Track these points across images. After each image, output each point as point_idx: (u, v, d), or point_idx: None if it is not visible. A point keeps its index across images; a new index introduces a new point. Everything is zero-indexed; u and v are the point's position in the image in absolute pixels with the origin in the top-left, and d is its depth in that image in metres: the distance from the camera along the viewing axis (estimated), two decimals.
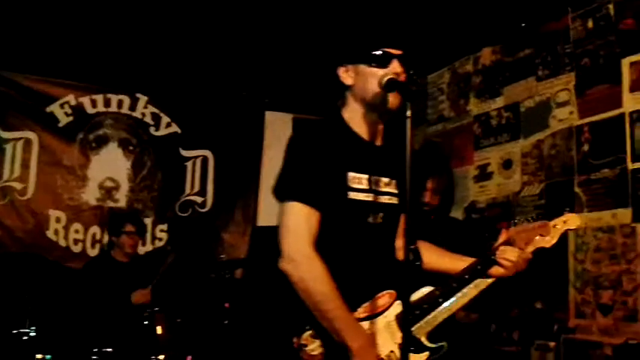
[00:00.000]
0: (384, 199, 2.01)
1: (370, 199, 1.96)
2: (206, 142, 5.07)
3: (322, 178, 1.90)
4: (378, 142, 2.06)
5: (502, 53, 4.29)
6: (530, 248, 2.09)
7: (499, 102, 4.28)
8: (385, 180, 2.03)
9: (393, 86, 1.89)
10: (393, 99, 1.92)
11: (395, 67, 1.95)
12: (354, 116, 2.02)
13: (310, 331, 1.86)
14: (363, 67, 1.98)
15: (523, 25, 4.08)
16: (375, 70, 1.95)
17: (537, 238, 2.10)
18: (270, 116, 5.20)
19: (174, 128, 5.04)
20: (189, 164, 5.02)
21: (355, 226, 1.94)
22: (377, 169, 2.01)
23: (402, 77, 1.95)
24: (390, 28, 2.02)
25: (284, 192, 1.92)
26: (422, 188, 3.49)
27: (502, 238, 2.11)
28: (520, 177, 4.04)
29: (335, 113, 2.05)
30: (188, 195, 4.99)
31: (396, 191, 2.04)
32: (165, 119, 5.02)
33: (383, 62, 1.95)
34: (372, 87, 1.95)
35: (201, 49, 4.53)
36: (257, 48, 4.53)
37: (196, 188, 5.02)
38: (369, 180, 1.98)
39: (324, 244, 1.90)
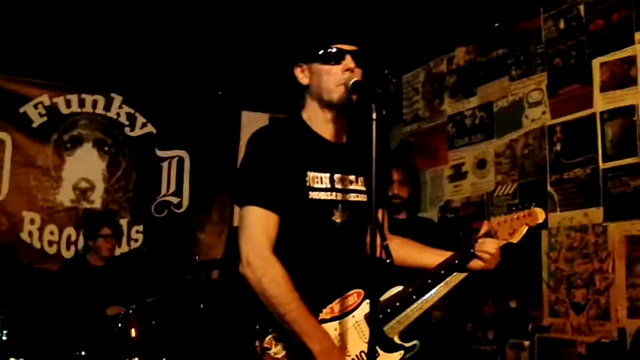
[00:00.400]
0: (351, 196, 1.99)
1: (333, 197, 1.95)
2: (182, 143, 5.02)
3: (279, 180, 1.89)
4: (341, 140, 2.05)
5: (476, 53, 4.30)
6: (517, 237, 2.04)
7: (473, 102, 4.29)
8: (351, 177, 2.01)
9: (358, 88, 1.89)
10: (342, 93, 1.93)
11: (347, 63, 1.93)
12: (313, 115, 2.02)
13: (273, 334, 1.85)
14: (317, 66, 1.97)
15: (496, 25, 4.09)
16: (328, 67, 1.95)
17: (524, 226, 2.04)
18: (246, 116, 5.16)
19: (150, 128, 4.98)
20: (164, 165, 4.96)
21: (319, 225, 1.92)
22: (341, 167, 2.00)
23: (357, 74, 1.94)
24: (342, 25, 2.01)
25: (240, 196, 1.91)
26: (389, 181, 3.44)
27: (483, 230, 2.09)
28: (494, 176, 4.05)
29: (295, 113, 2.04)
30: (164, 196, 4.93)
31: (363, 188, 2.02)
32: (140, 119, 4.96)
33: (335, 59, 1.94)
34: (327, 85, 1.95)
35: (176, 48, 4.51)
36: (233, 47, 4.51)
37: (172, 189, 4.96)
38: (331, 178, 1.97)
39: (288, 246, 1.89)
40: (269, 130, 1.99)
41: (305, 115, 2.03)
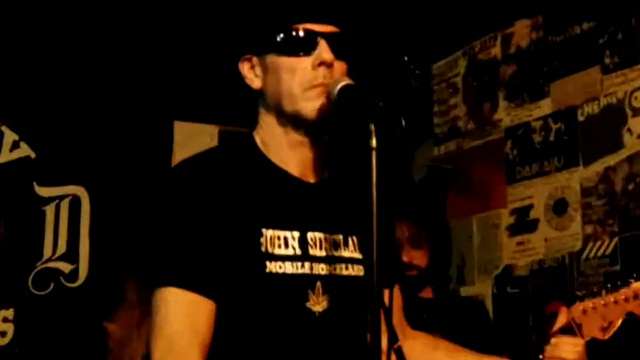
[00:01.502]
0: (337, 268, 2.03)
1: (307, 271, 1.98)
2: (77, 173, 4.91)
3: (213, 245, 1.91)
4: (318, 176, 2.08)
5: (547, 29, 4.33)
6: (611, 332, 2.12)
7: (544, 107, 4.32)
8: (337, 237, 2.05)
9: (349, 97, 1.88)
10: (317, 103, 1.97)
11: (321, 52, 1.97)
12: (270, 137, 2.06)
13: None
14: (273, 59, 2.01)
15: None
16: (291, 60, 1.98)
17: (624, 317, 2.13)
18: (183, 129, 5.13)
19: (25, 151, 4.87)
20: (49, 210, 4.87)
21: (285, 316, 1.95)
22: (318, 220, 2.03)
23: (339, 70, 1.99)
24: None
25: (152, 274, 1.95)
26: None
27: (560, 321, 2.15)
28: (581, 227, 4.07)
29: (243, 136, 2.11)
30: (48, 260, 4.83)
31: (358, 255, 2.06)
32: (9, 136, 4.85)
33: (303, 47, 1.98)
34: (291, 89, 1.98)
35: (62, 27, 4.55)
36: (158, 25, 4.61)
37: (62, 249, 4.86)
38: (303, 240, 2.00)
39: (234, 351, 1.92)
40: (194, 164, 2.03)
41: (258, 137, 2.07)
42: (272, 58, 2.01)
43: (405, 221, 3.57)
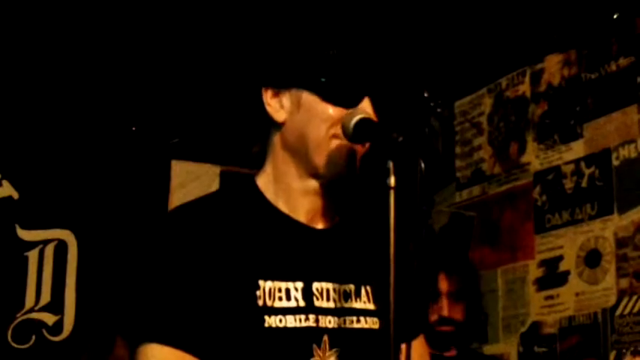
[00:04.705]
0: (348, 322, 1.97)
1: (311, 324, 1.92)
2: (63, 216, 4.82)
3: (204, 300, 1.86)
4: (328, 222, 2.03)
5: (580, 64, 4.24)
6: None
7: (577, 149, 4.20)
8: (347, 288, 1.99)
9: (366, 132, 1.85)
10: (356, 159, 1.93)
11: (365, 107, 1.92)
12: (280, 179, 2.00)
13: None
14: (309, 97, 1.94)
15: (616, 15, 4.02)
16: (328, 107, 1.92)
17: None
18: (181, 169, 5.03)
19: (8, 190, 4.77)
20: (32, 255, 4.75)
21: None
22: (326, 270, 1.97)
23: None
24: (375, 46, 2.01)
25: (135, 331, 1.90)
26: (433, 294, 3.58)
27: None
28: (615, 281, 3.95)
29: (246, 179, 2.06)
30: (30, 311, 4.69)
31: (371, 307, 2.00)
32: None
33: (347, 99, 1.93)
34: (320, 133, 1.92)
35: (50, 57, 4.48)
36: (154, 57, 4.54)
37: (45, 299, 4.72)
38: (307, 291, 1.94)
39: None
40: (192, 210, 1.99)
41: (262, 179, 2.02)
42: (308, 97, 1.93)
43: (444, 273, 3.55)
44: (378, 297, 1.99)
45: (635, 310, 3.81)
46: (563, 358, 4.10)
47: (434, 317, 3.56)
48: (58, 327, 4.71)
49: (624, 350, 3.84)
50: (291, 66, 1.98)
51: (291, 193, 2.00)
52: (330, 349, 1.93)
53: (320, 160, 1.94)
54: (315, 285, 1.96)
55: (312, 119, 1.94)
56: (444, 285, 3.57)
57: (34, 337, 4.64)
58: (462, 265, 3.78)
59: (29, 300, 4.69)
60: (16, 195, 4.74)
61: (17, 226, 4.71)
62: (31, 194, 4.77)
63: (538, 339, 4.23)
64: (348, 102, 1.93)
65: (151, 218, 4.78)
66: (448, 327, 3.53)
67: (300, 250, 1.97)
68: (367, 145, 1.93)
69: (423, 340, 2.15)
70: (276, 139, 1.99)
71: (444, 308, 3.53)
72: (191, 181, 4.94)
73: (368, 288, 2.01)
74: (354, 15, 3.93)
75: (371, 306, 2.00)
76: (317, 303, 1.95)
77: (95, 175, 4.87)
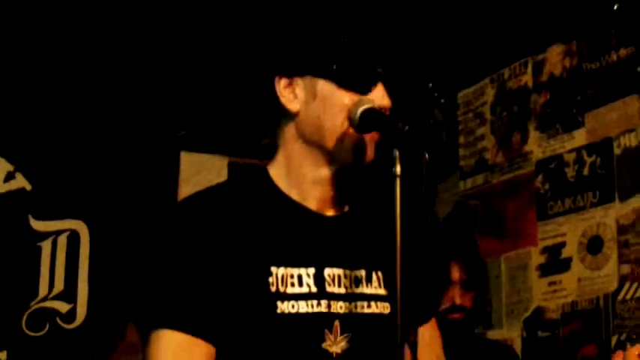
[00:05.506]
0: (359, 307, 1.97)
1: (323, 309, 1.93)
2: (75, 207, 4.84)
3: (216, 287, 1.87)
4: (339, 210, 2.03)
5: (581, 55, 4.25)
6: None
7: (579, 138, 4.22)
8: (358, 274, 1.99)
9: (372, 122, 1.86)
10: (370, 147, 1.92)
11: (382, 97, 1.92)
12: (293, 168, 1.99)
13: None
14: (324, 85, 1.93)
15: (616, 7, 4.04)
16: (344, 93, 1.92)
17: None
18: (190, 160, 5.05)
19: (21, 182, 4.80)
20: (45, 245, 4.77)
21: (298, 358, 1.90)
22: (337, 256, 1.97)
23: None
24: (374, 34, 2.00)
25: (147, 317, 1.92)
26: (444, 282, 3.63)
27: None
28: (616, 267, 3.96)
29: (256, 169, 2.05)
30: (44, 300, 4.72)
31: (382, 292, 2.00)
32: (4, 167, 4.80)
33: (362, 85, 1.92)
34: (337, 123, 1.91)
35: (59, 53, 4.49)
36: (160, 49, 4.55)
37: (59, 288, 4.75)
38: (319, 277, 1.94)
39: None
40: (198, 201, 1.99)
41: (274, 169, 2.01)
42: (324, 85, 1.92)
43: (456, 262, 3.62)
44: (388, 282, 2.00)
45: (637, 295, 3.82)
46: (566, 343, 4.12)
47: (446, 305, 3.62)
48: (71, 315, 4.74)
49: (624, 335, 3.85)
50: (306, 54, 1.97)
51: (304, 181, 1.99)
52: (342, 334, 1.94)
53: (337, 147, 1.94)
54: (327, 271, 1.96)
55: (328, 108, 1.94)
56: (455, 274, 3.63)
57: (47, 324, 4.67)
58: (472, 255, 3.85)
59: (43, 289, 4.71)
60: (29, 187, 4.78)
61: (30, 217, 4.74)
62: (44, 186, 4.80)
63: (541, 324, 4.24)
64: (363, 88, 1.92)
65: (161, 208, 4.72)
66: (459, 314, 3.60)
67: (312, 237, 1.97)
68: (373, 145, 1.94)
69: (435, 323, 2.16)
70: (289, 129, 1.99)
71: (456, 296, 3.60)
72: (200, 172, 4.95)
73: (379, 274, 2.02)
74: (363, 4, 3.96)
75: (382, 291, 2.01)
76: (328, 289, 1.95)
77: (107, 167, 4.89)
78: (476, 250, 4.07)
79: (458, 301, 3.62)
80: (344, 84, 1.92)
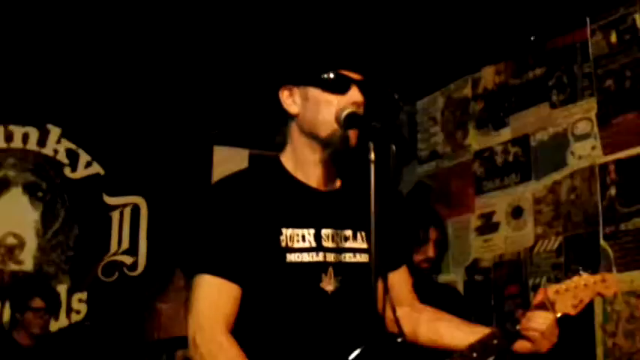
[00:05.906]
0: (346, 257, 2.02)
1: (320, 259, 1.98)
2: (137, 187, 5.03)
3: (240, 242, 1.92)
4: (333, 186, 2.08)
5: (507, 73, 4.36)
6: (580, 309, 2.05)
7: (505, 134, 4.34)
8: (346, 233, 2.04)
9: (353, 122, 1.91)
10: (353, 135, 1.96)
11: (354, 95, 1.96)
12: (300, 155, 2.04)
13: None
14: (314, 92, 1.98)
15: (532, 38, 4.15)
16: (329, 95, 1.96)
17: (594, 297, 2.08)
18: (220, 152, 5.23)
19: (96, 169, 5.01)
20: (115, 215, 4.98)
21: (303, 296, 1.95)
22: (331, 219, 2.02)
23: (361, 110, 1.98)
24: (351, 45, 2.05)
25: (193, 265, 1.96)
26: (421, 240, 3.66)
27: (537, 299, 2.07)
28: (533, 228, 4.08)
29: (271, 158, 2.09)
30: (114, 254, 4.94)
31: (364, 246, 2.04)
32: (84, 157, 5.00)
33: (339, 88, 1.96)
34: (325, 117, 1.96)
35: (128, 66, 4.54)
36: (202, 64, 4.56)
37: (125, 246, 4.98)
38: (317, 235, 2.00)
39: (260, 325, 1.93)
40: (228, 182, 2.03)
41: (285, 157, 2.06)
42: (314, 92, 1.97)
43: (433, 226, 3.70)
44: (369, 239, 1.91)
45: (547, 249, 3.96)
46: (496, 284, 4.25)
47: (421, 257, 3.74)
48: (134, 266, 5.01)
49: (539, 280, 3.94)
50: (300, 70, 2.02)
51: (306, 164, 2.03)
52: (334, 276, 1.99)
53: (328, 136, 1.98)
54: (323, 231, 2.01)
55: (319, 106, 1.97)
56: (433, 235, 3.74)
57: (117, 273, 4.95)
58: (441, 221, 3.98)
59: (113, 246, 4.99)
60: (102, 172, 5.05)
61: (104, 194, 5.01)
62: (114, 171, 5.04)
63: (478, 270, 4.40)
64: (341, 89, 1.96)
65: (199, 188, 4.86)
66: (428, 264, 3.72)
67: (312, 206, 2.02)
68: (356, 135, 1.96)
69: (406, 269, 2.21)
70: (294, 126, 2.04)
71: (430, 251, 3.72)
72: (226, 161, 5.08)
73: (362, 233, 2.05)
74: (340, 34, 3.87)
75: (364, 245, 2.04)
76: (324, 244, 2.00)
77: (160, 157, 5.09)
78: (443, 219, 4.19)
79: (431, 254, 3.71)
80: (327, 88, 1.96)
